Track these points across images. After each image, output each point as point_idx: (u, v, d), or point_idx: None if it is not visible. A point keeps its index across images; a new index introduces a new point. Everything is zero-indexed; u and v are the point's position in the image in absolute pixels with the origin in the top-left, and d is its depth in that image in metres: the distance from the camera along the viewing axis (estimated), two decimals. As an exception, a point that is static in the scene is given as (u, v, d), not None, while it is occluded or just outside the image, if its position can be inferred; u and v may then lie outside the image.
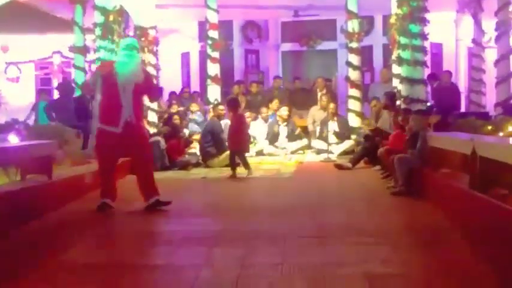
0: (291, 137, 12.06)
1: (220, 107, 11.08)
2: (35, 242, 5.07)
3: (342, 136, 11.54)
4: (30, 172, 6.46)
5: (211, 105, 12.08)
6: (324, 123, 11.59)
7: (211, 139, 10.29)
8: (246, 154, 9.48)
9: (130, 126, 6.02)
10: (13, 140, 7.46)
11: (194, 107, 12.84)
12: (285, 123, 12.09)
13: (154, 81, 6.92)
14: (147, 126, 6.88)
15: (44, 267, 4.20)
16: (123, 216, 6.07)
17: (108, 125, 6.03)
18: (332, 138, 11.42)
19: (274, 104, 12.64)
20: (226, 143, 9.97)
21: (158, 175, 5.54)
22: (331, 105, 11.75)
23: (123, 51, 6.26)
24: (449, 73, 12.72)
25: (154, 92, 6.64)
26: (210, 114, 11.38)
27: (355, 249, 4.55)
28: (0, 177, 6.30)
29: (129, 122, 6.01)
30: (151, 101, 7.37)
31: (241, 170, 9.20)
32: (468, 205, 5.00)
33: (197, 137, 11.23)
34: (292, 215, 6.05)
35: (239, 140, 9.30)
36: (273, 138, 11.96)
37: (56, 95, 14.37)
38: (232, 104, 9.62)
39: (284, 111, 12.10)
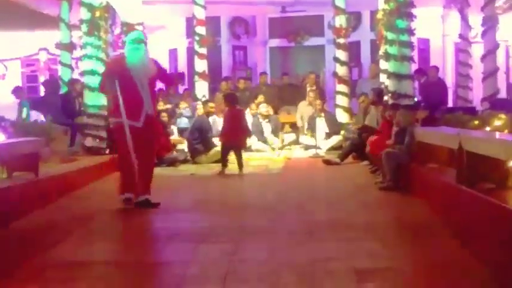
0: (276, 133, 12.03)
1: (210, 104, 11.05)
2: (22, 239, 5.04)
3: (330, 132, 11.54)
4: (17, 170, 6.41)
5: (200, 102, 12.04)
6: (311, 119, 11.59)
7: (199, 136, 10.26)
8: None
9: (149, 119, 6.10)
10: (-1, 137, 7.39)
11: (183, 104, 12.80)
12: (267, 119, 12.05)
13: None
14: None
15: (31, 265, 4.18)
16: (111, 213, 6.04)
17: (130, 120, 5.97)
18: (320, 134, 11.41)
19: (259, 99, 12.61)
20: (216, 139, 9.97)
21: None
22: (318, 102, 11.73)
23: (131, 45, 6.20)
24: (436, 68, 12.76)
25: (171, 79, 6.81)
26: (199, 111, 11.32)
27: (343, 244, 4.56)
28: (-14, 175, 6.26)
29: (148, 115, 6.07)
30: (172, 86, 7.45)
31: (231, 167, 9.18)
32: (455, 199, 5.02)
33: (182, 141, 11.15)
34: (280, 211, 6.06)
35: (235, 135, 9.19)
36: (257, 134, 11.92)
37: (42, 91, 14.31)
38: (229, 99, 9.53)
39: (263, 107, 12.05)
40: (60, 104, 10.73)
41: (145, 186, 6.07)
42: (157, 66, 6.32)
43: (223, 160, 9.15)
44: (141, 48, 6.19)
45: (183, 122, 12.13)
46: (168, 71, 6.89)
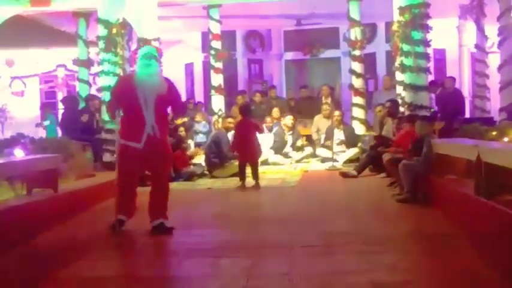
0: (295, 147, 12.04)
1: (229, 119, 11.06)
2: (43, 255, 5.08)
3: (349, 145, 11.52)
4: (37, 186, 6.48)
5: (217, 116, 12.12)
6: (329, 132, 11.58)
7: (217, 150, 10.30)
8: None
9: (153, 141, 5.62)
10: (19, 154, 7.47)
11: (199, 117, 12.86)
12: (290, 132, 12.09)
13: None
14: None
15: (51, 280, 4.21)
16: (130, 228, 6.07)
17: (130, 141, 5.64)
18: (338, 147, 11.40)
19: (275, 112, 12.64)
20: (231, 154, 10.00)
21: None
22: (337, 113, 11.72)
23: (142, 60, 5.82)
24: (452, 79, 12.71)
25: (179, 104, 6.23)
26: (217, 125, 11.39)
27: (361, 258, 4.55)
28: (6, 192, 6.32)
29: (151, 136, 5.60)
30: (176, 115, 6.95)
31: (249, 180, 9.19)
32: (474, 211, 4.99)
33: (200, 152, 11.17)
34: (298, 224, 6.05)
35: (246, 150, 9.13)
36: (280, 147, 11.94)
37: (60, 108, 14.47)
38: (243, 110, 9.54)
39: (289, 120, 12.10)
40: (79, 119, 10.83)
41: (159, 211, 5.74)
42: (169, 85, 5.85)
43: (240, 174, 9.15)
44: (152, 64, 5.80)
45: (199, 137, 12.19)
46: (181, 97, 6.23)
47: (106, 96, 9.98)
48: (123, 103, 5.74)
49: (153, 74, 5.77)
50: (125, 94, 5.70)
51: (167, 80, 5.97)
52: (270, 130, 12.37)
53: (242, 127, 9.30)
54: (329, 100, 12.99)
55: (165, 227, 5.68)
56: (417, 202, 6.79)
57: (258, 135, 10.43)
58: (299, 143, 12.10)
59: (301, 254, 4.77)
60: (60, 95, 17.51)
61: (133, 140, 5.62)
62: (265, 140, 12.15)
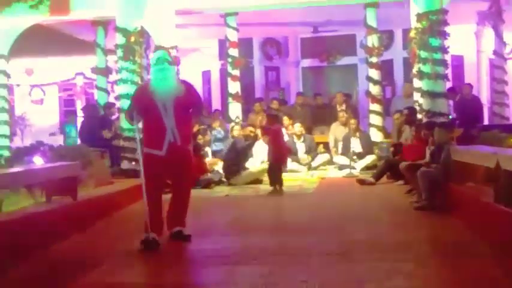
0: (313, 153, 12.02)
1: (250, 128, 11.13)
2: (63, 262, 5.13)
3: (364, 153, 11.48)
4: (56, 194, 6.54)
5: (234, 124, 12.14)
6: (346, 140, 11.54)
7: (235, 157, 10.32)
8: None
9: (175, 148, 5.46)
10: (38, 161, 7.55)
11: (216, 124, 12.90)
12: (301, 139, 12.08)
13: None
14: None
15: (73, 286, 4.24)
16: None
17: (153, 148, 5.51)
18: (354, 154, 11.36)
19: (285, 120, 12.64)
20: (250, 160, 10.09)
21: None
22: (352, 121, 11.69)
23: (155, 66, 5.66)
24: (470, 86, 12.65)
25: (198, 106, 5.96)
26: (235, 132, 11.42)
27: (378, 265, 4.53)
28: (25, 199, 6.39)
29: (173, 143, 5.45)
30: (194, 118, 6.69)
31: (265, 187, 9.21)
32: (493, 219, 4.95)
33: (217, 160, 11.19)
34: (315, 231, 6.05)
35: (278, 153, 9.31)
36: (291, 155, 11.93)
37: (79, 115, 14.61)
38: (270, 119, 9.81)
39: (297, 127, 12.09)
40: (98, 127, 10.93)
41: (177, 219, 5.65)
42: (187, 87, 5.71)
43: (276, 179, 9.18)
44: (166, 68, 5.61)
45: (216, 144, 12.21)
46: (200, 98, 6.08)
47: (124, 104, 10.06)
48: (143, 112, 5.61)
49: (168, 77, 5.61)
50: (143, 103, 5.58)
51: (184, 82, 5.86)
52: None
53: (274, 135, 9.44)
54: (344, 107, 12.96)
55: (183, 234, 5.60)
56: (435, 210, 6.75)
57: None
58: (317, 150, 12.08)
59: (320, 261, 4.76)
60: (78, 103, 17.67)
61: (156, 148, 5.48)
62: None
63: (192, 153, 5.86)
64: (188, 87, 5.74)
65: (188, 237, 5.59)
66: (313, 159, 11.98)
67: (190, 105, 5.69)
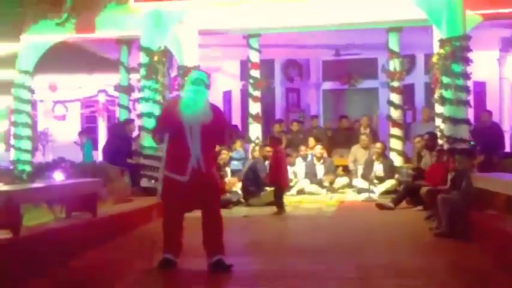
0: (334, 175, 12.00)
1: (267, 148, 11.14)
2: (82, 278, 5.15)
3: (385, 178, 11.41)
4: (76, 210, 6.59)
5: (255, 144, 12.16)
6: (369, 163, 11.48)
7: (253, 178, 10.34)
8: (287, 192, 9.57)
9: (199, 173, 5.24)
10: (59, 177, 7.63)
11: (237, 145, 12.92)
12: (321, 161, 12.07)
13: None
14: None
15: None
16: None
17: (175, 173, 5.28)
18: (375, 179, 11.31)
19: (310, 142, 12.64)
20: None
21: (199, 213, 5.42)
22: (378, 145, 11.62)
23: (190, 86, 5.44)
24: (489, 113, 12.60)
25: (225, 134, 5.64)
26: (254, 153, 11.45)
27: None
28: (46, 214, 6.45)
29: (196, 169, 5.24)
30: (221, 145, 6.45)
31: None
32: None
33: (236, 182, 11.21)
34: (333, 255, 6.02)
35: (278, 176, 9.53)
36: (311, 176, 11.93)
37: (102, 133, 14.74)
38: (273, 142, 10.05)
39: (317, 149, 12.10)
40: (121, 145, 10.98)
41: (214, 246, 5.33)
42: (215, 113, 5.44)
43: (280, 202, 9.30)
44: (200, 90, 5.39)
45: (234, 164, 12.23)
46: (227, 126, 5.80)
47: (145, 122, 10.14)
48: (169, 130, 5.40)
49: (201, 101, 5.36)
50: (171, 121, 5.35)
51: (214, 107, 5.56)
52: (305, 159, 12.35)
53: (277, 158, 9.68)
54: (367, 131, 12.93)
55: (224, 264, 5.28)
56: (455, 237, 6.67)
57: (294, 164, 10.74)
58: (331, 172, 12.07)
59: (337, 285, 4.74)
60: (100, 120, 17.83)
61: (178, 173, 5.26)
62: (300, 169, 12.15)
63: (217, 176, 5.66)
64: (216, 112, 5.50)
65: (229, 267, 5.26)
66: (332, 181, 11.94)
67: (217, 131, 5.43)
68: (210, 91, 5.91)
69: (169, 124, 5.39)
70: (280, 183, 9.62)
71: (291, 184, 11.52)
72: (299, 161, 12.36)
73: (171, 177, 5.33)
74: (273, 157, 9.78)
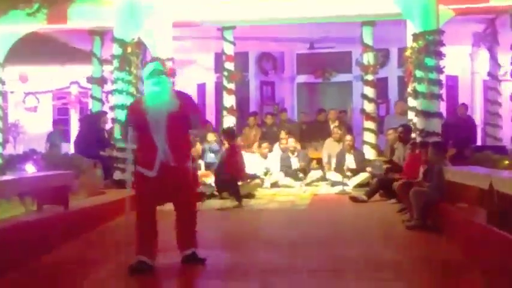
0: (307, 167, 12.02)
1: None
2: (54, 272, 5.10)
3: (358, 169, 11.47)
4: (47, 202, 6.50)
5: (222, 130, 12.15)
6: (340, 156, 11.54)
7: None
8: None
9: (168, 168, 5.06)
10: (30, 170, 7.53)
11: (210, 136, 12.87)
12: (295, 154, 12.08)
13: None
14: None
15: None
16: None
17: (144, 168, 5.12)
18: (348, 172, 11.36)
19: (282, 134, 12.65)
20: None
21: (172, 206, 5.35)
22: (349, 138, 11.69)
23: (149, 79, 5.25)
24: (465, 106, 12.72)
25: (196, 117, 5.35)
26: (225, 146, 11.41)
27: (370, 284, 4.52)
28: (17, 207, 6.35)
29: (166, 163, 5.06)
30: (193, 133, 6.05)
31: (257, 201, 9.20)
32: (485, 241, 4.95)
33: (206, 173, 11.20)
34: (307, 248, 6.03)
35: (233, 168, 9.80)
36: (286, 170, 11.94)
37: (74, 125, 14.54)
38: (227, 135, 10.43)
39: (291, 142, 12.12)
40: (94, 139, 10.86)
41: (187, 240, 5.26)
42: (182, 99, 5.27)
43: (237, 194, 9.51)
44: (160, 81, 5.22)
45: (210, 157, 12.18)
46: (197, 109, 5.47)
47: (118, 114, 10.04)
48: (136, 129, 5.25)
49: (163, 91, 5.20)
50: (136, 120, 5.21)
51: (180, 93, 5.42)
52: (285, 151, 12.35)
53: (232, 151, 10.11)
54: (337, 124, 12.98)
55: (198, 257, 5.23)
56: (427, 229, 6.74)
57: (269, 157, 10.84)
58: (308, 165, 12.10)
59: (309, 279, 4.75)
60: (72, 112, 17.64)
61: (147, 168, 5.10)
62: (276, 162, 12.16)
63: (190, 169, 5.42)
64: (184, 98, 5.32)
65: (202, 261, 5.22)
66: (306, 174, 11.97)
67: (187, 118, 5.20)
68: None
69: (134, 121, 5.24)
70: (235, 176, 9.78)
71: (264, 177, 11.52)
72: (276, 153, 12.36)
73: (141, 172, 5.17)
74: (228, 150, 10.11)
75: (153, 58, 11.82)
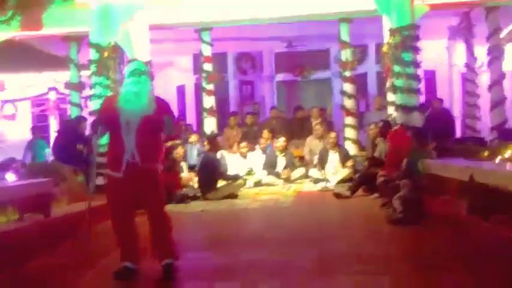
0: (292, 168, 12.02)
1: (243, 144, 11.52)
2: (36, 280, 5.06)
3: (343, 167, 11.51)
4: (28, 210, 6.45)
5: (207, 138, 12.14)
6: (323, 153, 11.56)
7: (207, 172, 10.30)
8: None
9: (135, 169, 4.87)
10: (10, 178, 7.44)
11: (193, 138, 12.84)
12: (283, 153, 12.10)
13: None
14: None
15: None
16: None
17: (112, 170, 4.95)
18: (331, 168, 11.40)
19: (265, 134, 12.66)
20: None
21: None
22: (333, 135, 11.72)
23: (130, 77, 5.06)
24: (440, 100, 12.84)
25: (169, 126, 5.07)
26: (205, 147, 11.40)
27: (355, 279, 4.55)
28: (-2, 217, 6.29)
29: (131, 163, 4.87)
30: (168, 137, 5.79)
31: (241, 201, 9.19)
32: (467, 232, 5.00)
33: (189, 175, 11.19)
34: (291, 245, 6.04)
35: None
36: (270, 167, 11.95)
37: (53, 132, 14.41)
38: (211, 143, 10.75)
39: (279, 141, 12.12)
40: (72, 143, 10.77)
41: (163, 247, 5.00)
42: (159, 105, 5.06)
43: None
44: (141, 81, 5.03)
45: (193, 159, 12.16)
46: (172, 117, 5.19)
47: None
48: (107, 127, 5.06)
49: (142, 92, 4.99)
50: (108, 117, 5.01)
51: (158, 99, 5.15)
52: (264, 151, 12.37)
53: None
54: (319, 121, 13.01)
55: (171, 269, 4.93)
56: (410, 223, 6.77)
57: (249, 156, 10.88)
58: (295, 162, 12.13)
59: (296, 275, 4.76)
60: (51, 119, 17.48)
61: (114, 169, 4.92)
62: (258, 161, 12.17)
63: (158, 172, 5.10)
64: (160, 104, 5.09)
65: (174, 274, 4.92)
66: (289, 176, 11.99)
67: (160, 122, 4.99)
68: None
69: (105, 118, 5.05)
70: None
71: (246, 177, 11.52)
72: (257, 153, 12.37)
73: (109, 174, 5.01)
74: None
75: (134, 58, 11.79)
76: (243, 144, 12.19)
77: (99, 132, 5.09)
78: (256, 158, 12.26)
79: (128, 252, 5.01)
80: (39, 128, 15.42)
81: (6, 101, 17.53)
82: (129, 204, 5.06)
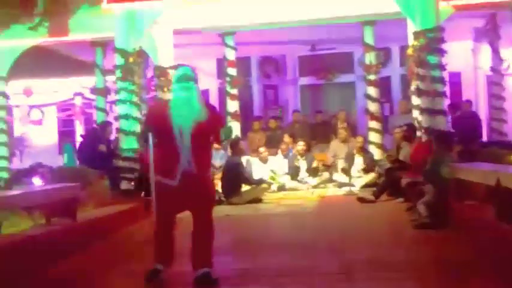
0: (311, 171, 12.00)
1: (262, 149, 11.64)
2: (63, 285, 5.10)
3: (368, 171, 11.46)
4: (55, 215, 6.52)
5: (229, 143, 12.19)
6: (349, 158, 11.53)
7: (233, 176, 10.32)
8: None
9: (190, 177, 4.83)
10: (37, 183, 7.55)
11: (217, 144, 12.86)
12: (303, 157, 12.08)
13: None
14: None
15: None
16: (148, 257, 6.05)
17: (165, 177, 4.90)
18: (355, 173, 11.36)
19: (286, 138, 12.65)
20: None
21: (180, 214, 5.29)
22: (360, 139, 11.70)
23: (177, 84, 5.00)
24: (469, 102, 12.69)
25: (220, 133, 5.10)
26: (229, 152, 11.44)
27: (380, 285, 4.52)
28: (25, 221, 6.37)
29: (188, 172, 4.82)
30: (218, 143, 5.70)
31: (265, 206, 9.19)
32: (495, 237, 4.94)
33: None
34: (316, 251, 6.03)
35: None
36: (294, 172, 11.94)
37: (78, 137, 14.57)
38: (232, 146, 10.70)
39: (299, 145, 12.11)
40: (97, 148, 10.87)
41: (202, 257, 4.94)
42: (211, 111, 5.01)
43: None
44: (190, 86, 4.94)
45: (217, 163, 12.20)
46: (223, 124, 5.27)
47: (123, 124, 10.06)
48: (156, 134, 5.02)
49: (191, 98, 4.91)
50: (158, 124, 4.96)
51: (209, 105, 5.15)
52: (286, 156, 12.35)
53: None
54: (345, 125, 12.97)
55: (210, 278, 4.87)
56: (435, 227, 6.71)
57: (272, 160, 10.82)
58: (314, 164, 12.08)
59: (322, 281, 4.74)
60: (77, 123, 17.68)
61: (168, 177, 4.86)
62: (280, 165, 12.15)
63: (211, 181, 5.20)
64: (212, 110, 5.07)
65: (215, 281, 4.89)
66: (315, 176, 11.96)
67: (213, 129, 5.00)
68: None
69: (155, 126, 5.01)
70: None
71: (272, 181, 11.52)
72: (280, 157, 12.36)
73: (161, 181, 4.95)
74: None
75: (158, 67, 11.89)
76: (262, 149, 12.18)
77: (149, 139, 5.07)
78: (278, 162, 12.24)
79: (163, 255, 5.03)
80: (65, 133, 15.64)
81: (33, 106, 17.79)
82: (177, 211, 5.10)
